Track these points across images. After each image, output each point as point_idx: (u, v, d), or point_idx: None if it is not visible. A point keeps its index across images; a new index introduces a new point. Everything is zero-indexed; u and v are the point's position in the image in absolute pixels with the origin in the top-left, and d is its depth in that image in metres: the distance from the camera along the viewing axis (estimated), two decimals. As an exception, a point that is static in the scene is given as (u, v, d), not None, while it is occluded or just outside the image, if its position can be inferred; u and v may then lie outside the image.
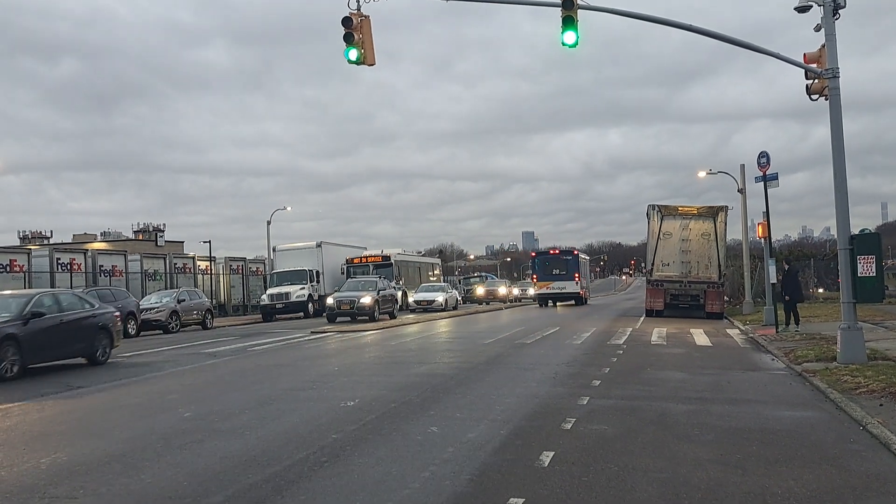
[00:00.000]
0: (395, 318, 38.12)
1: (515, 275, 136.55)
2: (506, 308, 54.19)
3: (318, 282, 45.08)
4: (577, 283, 52.55)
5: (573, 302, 54.14)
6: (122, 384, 14.90)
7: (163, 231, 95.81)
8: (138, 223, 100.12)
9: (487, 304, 61.92)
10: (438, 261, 70.70)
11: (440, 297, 48.48)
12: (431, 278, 58.81)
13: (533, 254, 64.87)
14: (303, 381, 14.21)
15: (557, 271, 52.32)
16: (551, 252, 55.00)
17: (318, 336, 26.78)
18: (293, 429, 9.49)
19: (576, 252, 55.14)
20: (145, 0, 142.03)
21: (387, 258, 49.71)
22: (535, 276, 54.35)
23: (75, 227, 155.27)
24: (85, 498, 6.60)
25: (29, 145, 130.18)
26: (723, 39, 16.87)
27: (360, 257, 50.36)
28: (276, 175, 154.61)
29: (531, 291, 61.55)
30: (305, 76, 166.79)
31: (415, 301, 48.38)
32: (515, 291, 71.71)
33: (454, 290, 55.04)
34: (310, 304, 43.13)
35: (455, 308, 50.01)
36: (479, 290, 67.38)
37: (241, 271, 53.42)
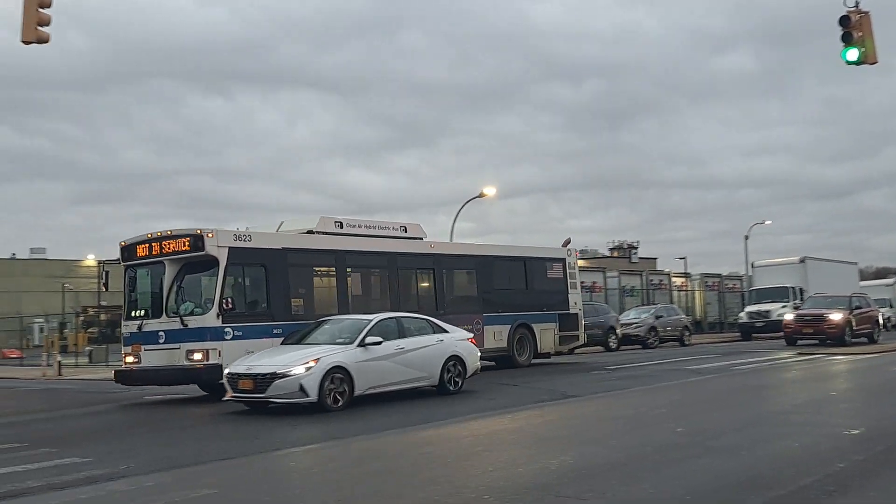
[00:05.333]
0: (874, 341, 31.51)
1: None
2: None
3: (800, 300, 42.46)
4: None
5: None
6: (610, 395, 15.59)
7: (636, 248, 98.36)
8: (613, 240, 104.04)
9: None
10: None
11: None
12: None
13: None
14: (792, 405, 13.52)
15: None
16: None
17: (806, 358, 25.23)
18: (789, 453, 9.05)
19: None
20: (677, 13, 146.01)
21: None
22: None
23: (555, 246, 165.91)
24: (593, 500, 7.01)
25: (544, 167, 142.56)
26: None
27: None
28: (775, 184, 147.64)
29: None
30: (830, 74, 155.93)
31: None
32: None
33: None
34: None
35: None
36: None
37: (716, 288, 52.55)
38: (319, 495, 7.73)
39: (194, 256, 16.41)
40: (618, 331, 32.80)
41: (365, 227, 20.33)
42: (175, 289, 16.71)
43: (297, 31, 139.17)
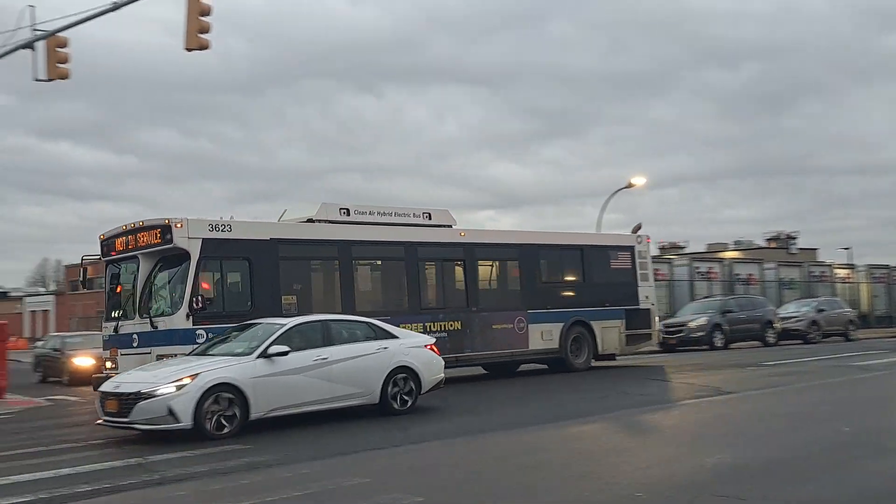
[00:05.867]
0: None
1: None
2: None
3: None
4: None
5: None
6: (769, 392, 14.87)
7: (795, 238, 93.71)
8: (770, 231, 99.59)
9: None
10: None
11: None
12: None
13: None
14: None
15: None
16: None
17: None
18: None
19: None
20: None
21: None
22: None
23: (709, 237, 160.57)
24: (753, 501, 6.67)
25: (697, 155, 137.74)
26: None
27: None
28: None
29: None
30: None
31: None
32: None
33: None
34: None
35: None
36: None
37: (884, 280, 49.37)
38: (468, 488, 7.73)
39: (166, 250, 14.80)
40: (776, 325, 31.37)
41: (378, 213, 18.00)
42: (149, 286, 15.13)
43: (446, 26, 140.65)
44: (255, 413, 11.46)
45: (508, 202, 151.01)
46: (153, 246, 14.94)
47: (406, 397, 12.98)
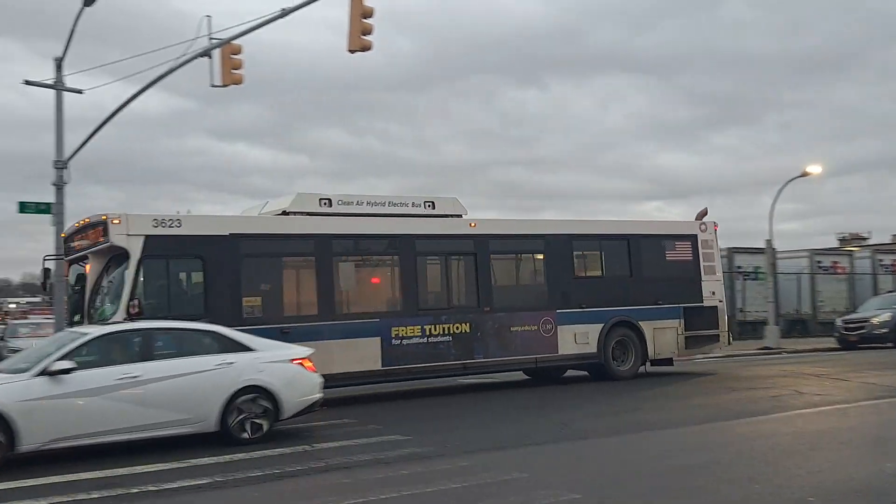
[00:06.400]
0: None
1: None
2: None
3: None
4: None
5: None
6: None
7: None
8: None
9: None
10: None
11: None
12: None
13: None
14: None
15: None
16: None
17: None
18: None
19: None
20: None
21: None
22: None
23: (894, 227, 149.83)
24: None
25: (885, 139, 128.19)
26: None
27: None
28: None
29: None
30: None
31: None
32: None
33: None
34: None
35: None
36: None
37: None
38: (629, 486, 7.58)
39: (109, 248, 13.58)
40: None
41: (368, 204, 15.97)
42: (96, 289, 13.97)
43: (610, 14, 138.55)
44: (28, 444, 9.40)
45: (676, 192, 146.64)
46: (97, 245, 13.81)
47: (259, 421, 10.70)
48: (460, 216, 16.90)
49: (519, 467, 8.42)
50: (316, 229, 15.02)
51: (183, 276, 14.43)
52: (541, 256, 17.64)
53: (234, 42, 18.29)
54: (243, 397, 10.67)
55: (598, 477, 8.12)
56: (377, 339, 14.97)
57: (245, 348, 11.15)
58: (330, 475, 8.49)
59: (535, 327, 16.66)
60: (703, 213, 19.57)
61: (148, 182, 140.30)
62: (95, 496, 7.84)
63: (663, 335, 18.18)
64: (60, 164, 18.23)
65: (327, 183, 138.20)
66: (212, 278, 13.90)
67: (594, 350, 17.20)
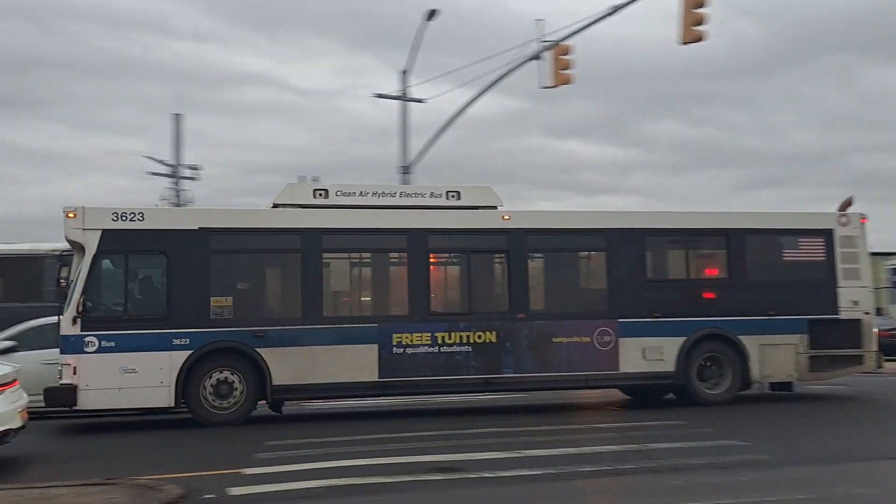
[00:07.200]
0: None
1: None
2: None
3: None
4: None
5: None
6: None
7: None
8: None
9: None
10: None
11: None
12: None
13: None
14: None
15: None
16: None
17: None
18: None
19: None
20: None
21: None
22: None
23: None
24: None
25: None
26: None
27: None
28: None
29: None
30: None
31: None
32: None
33: None
34: None
35: None
36: None
37: None
38: None
39: (72, 243, 13.07)
40: None
41: (374, 195, 14.14)
42: (69, 285, 13.30)
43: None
44: None
45: None
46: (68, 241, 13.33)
47: None
48: (494, 207, 14.54)
49: (863, 482, 7.82)
50: (301, 223, 13.68)
51: (144, 273, 13.58)
52: (599, 255, 14.81)
53: (564, 43, 18.70)
54: None
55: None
56: (374, 347, 13.38)
57: None
58: (661, 476, 8.38)
59: (588, 339, 14.08)
60: (847, 203, 15.58)
61: (484, 182, 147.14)
62: (437, 478, 8.39)
63: (775, 353, 14.65)
64: (405, 169, 19.84)
65: (661, 177, 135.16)
66: (176, 276, 13.03)
67: (671, 368, 14.21)
